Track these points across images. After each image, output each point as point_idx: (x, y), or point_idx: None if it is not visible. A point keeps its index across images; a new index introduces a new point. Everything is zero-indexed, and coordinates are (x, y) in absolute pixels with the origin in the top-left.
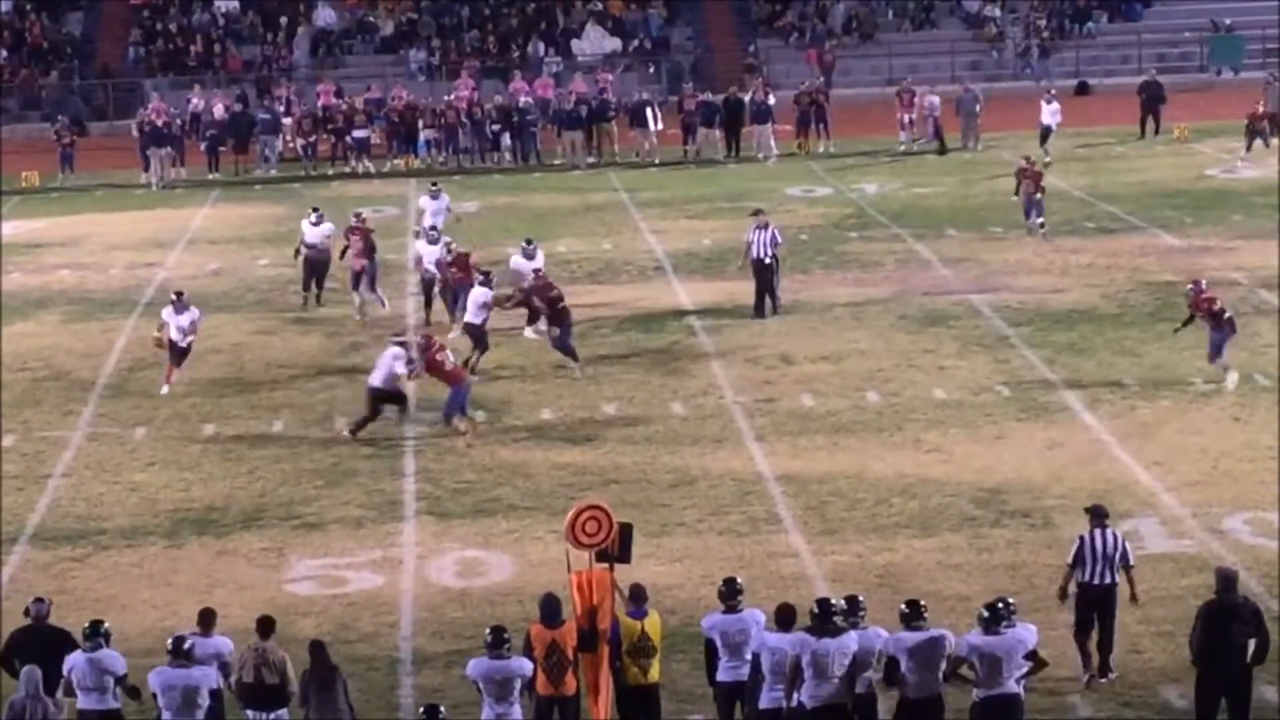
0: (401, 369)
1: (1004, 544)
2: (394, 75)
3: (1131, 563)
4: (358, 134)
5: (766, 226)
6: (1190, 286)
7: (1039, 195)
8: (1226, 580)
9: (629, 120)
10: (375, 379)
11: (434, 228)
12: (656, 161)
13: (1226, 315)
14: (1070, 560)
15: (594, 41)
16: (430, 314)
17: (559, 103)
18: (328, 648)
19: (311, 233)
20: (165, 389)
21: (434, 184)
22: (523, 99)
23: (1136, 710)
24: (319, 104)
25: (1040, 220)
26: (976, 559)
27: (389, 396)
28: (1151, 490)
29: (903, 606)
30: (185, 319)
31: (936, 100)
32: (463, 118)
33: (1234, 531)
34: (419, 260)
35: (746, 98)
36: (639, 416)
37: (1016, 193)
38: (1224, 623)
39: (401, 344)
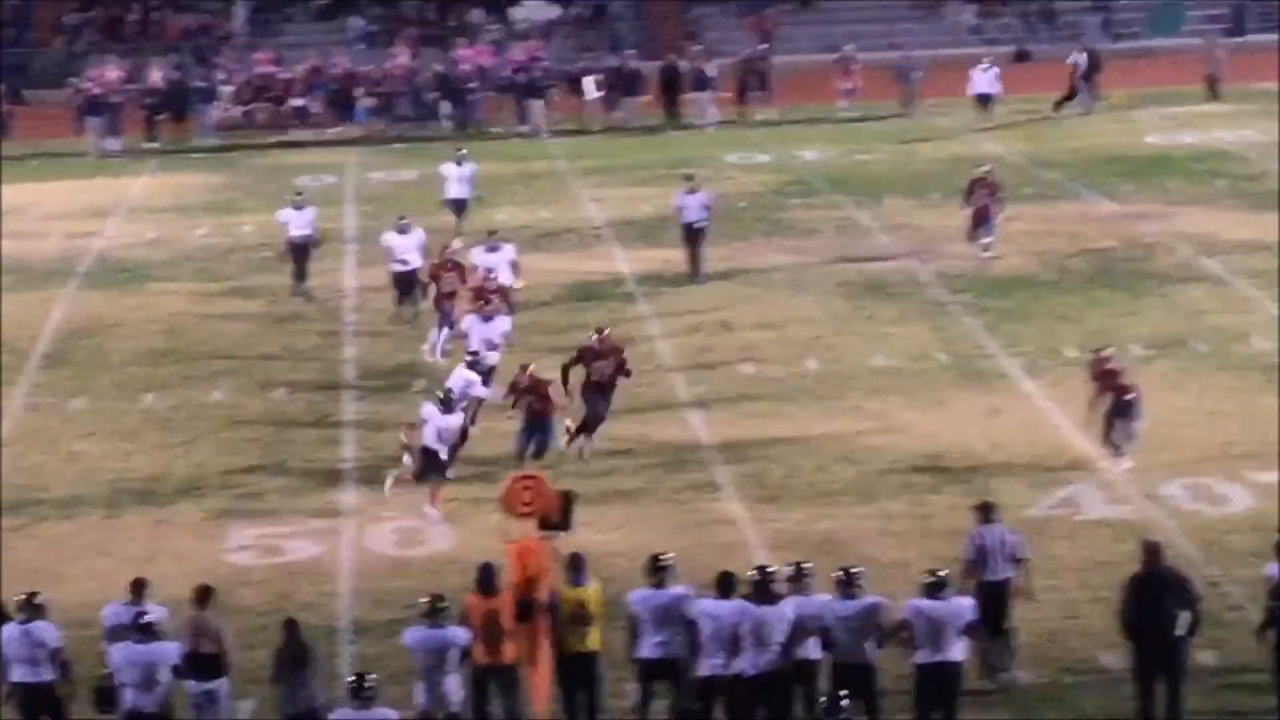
0: (482, 391)
1: (944, 510)
2: (333, 43)
3: (1020, 555)
4: (296, 102)
5: (694, 192)
6: (1090, 357)
7: (997, 211)
8: (1152, 551)
9: (568, 88)
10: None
11: (403, 219)
12: (595, 129)
13: (1130, 396)
14: (971, 558)
15: (533, 8)
16: (404, 310)
17: (505, 69)
18: (300, 626)
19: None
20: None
21: (460, 149)
22: (462, 66)
23: (1076, 675)
24: (257, 72)
25: (989, 240)
26: (916, 525)
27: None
28: (1090, 456)
29: (838, 573)
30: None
31: (1082, 58)
32: (401, 86)
33: (1172, 497)
34: (390, 252)
35: (684, 65)
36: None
37: (968, 201)
38: (1151, 594)
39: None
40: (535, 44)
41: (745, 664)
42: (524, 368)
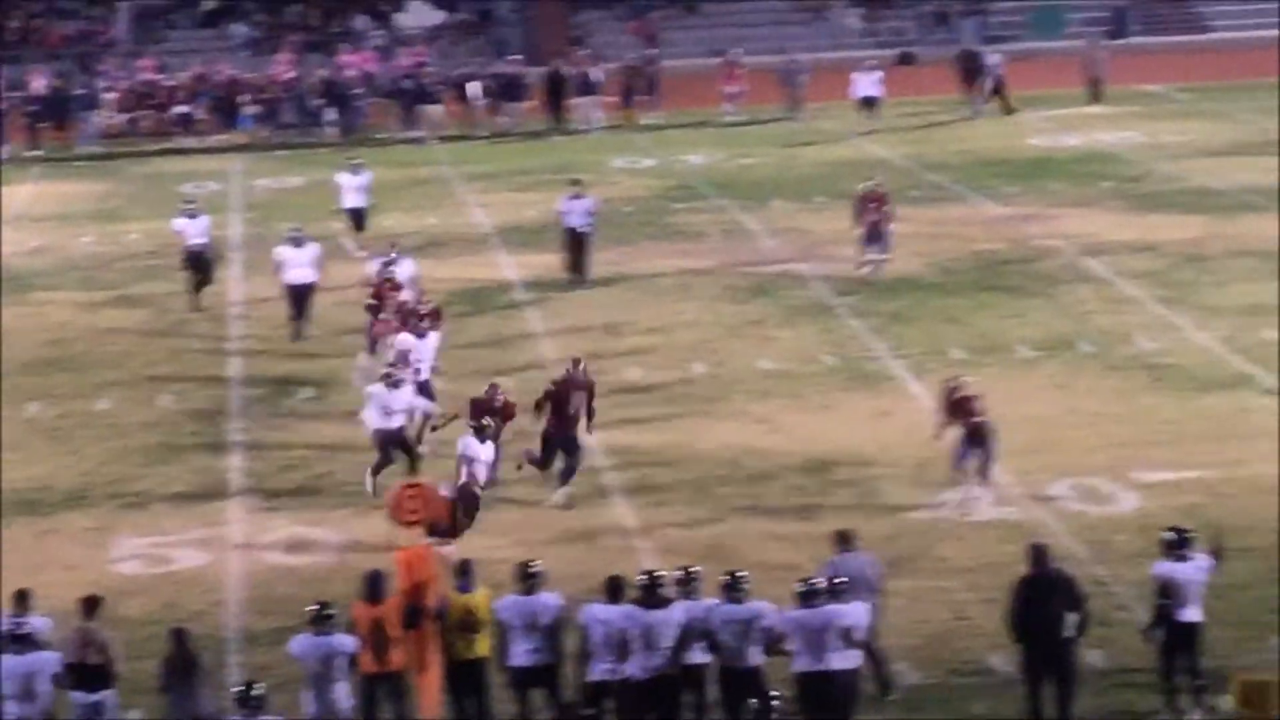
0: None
1: (832, 514)
2: (216, 50)
3: (878, 586)
4: (180, 109)
5: (579, 197)
6: (944, 385)
7: (888, 224)
8: (1038, 553)
9: (453, 93)
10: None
11: (296, 231)
12: (480, 134)
13: (981, 422)
14: (824, 579)
15: (418, 14)
16: (300, 325)
17: (390, 75)
18: (189, 635)
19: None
20: None
21: (355, 159)
22: (347, 73)
23: (963, 677)
24: (141, 79)
25: (883, 258)
26: (804, 529)
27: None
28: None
29: (724, 578)
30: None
31: (998, 59)
32: (285, 92)
33: (1059, 498)
34: (282, 266)
35: (569, 70)
36: (467, 391)
37: (857, 221)
38: (1038, 597)
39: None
40: (420, 50)
41: (634, 668)
42: (493, 387)
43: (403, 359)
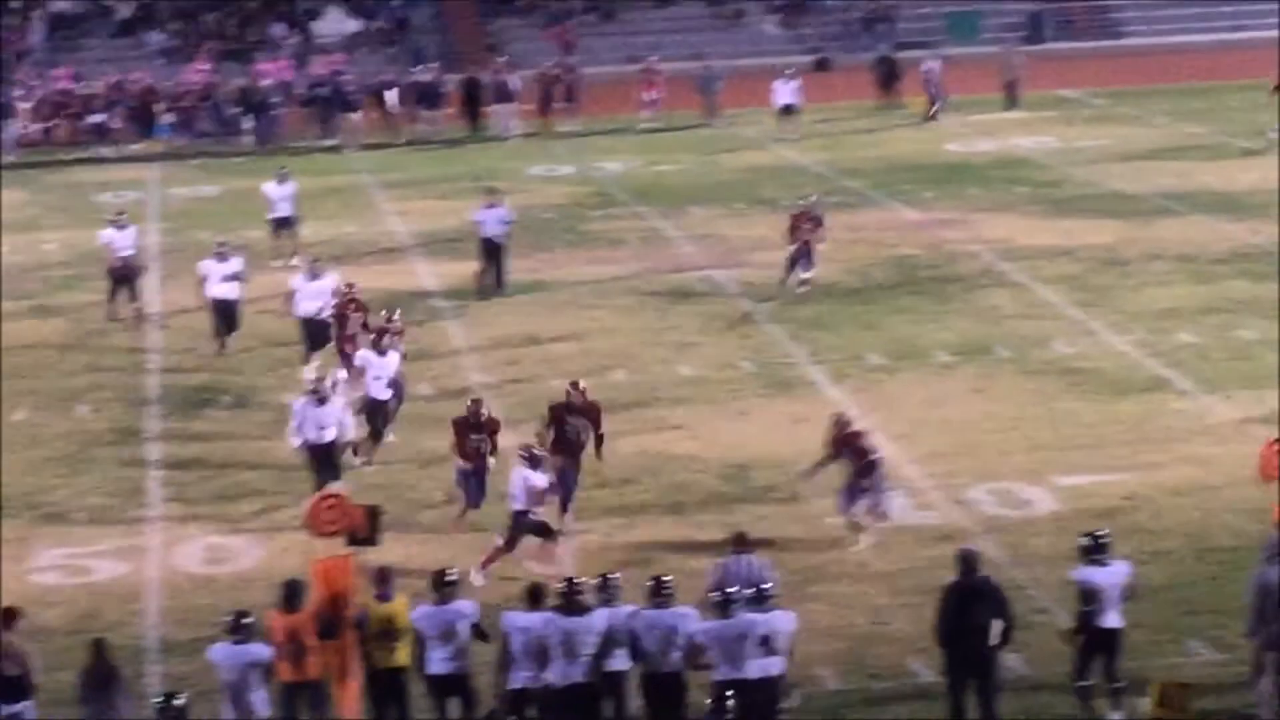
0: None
1: (751, 519)
2: (132, 58)
3: (767, 589)
4: (96, 118)
5: (494, 206)
6: (832, 420)
7: (819, 245)
8: (968, 560)
9: (370, 101)
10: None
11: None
12: (398, 142)
13: (873, 457)
14: (709, 588)
15: (335, 22)
16: (223, 339)
17: (307, 84)
18: (109, 646)
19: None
20: None
21: (282, 168)
22: (263, 81)
23: (884, 682)
24: (56, 88)
25: (806, 276)
26: (724, 535)
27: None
28: (896, 463)
29: (649, 583)
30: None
31: (937, 64)
32: (202, 101)
33: (977, 502)
34: (206, 279)
35: (486, 77)
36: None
37: (791, 238)
38: (966, 603)
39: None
40: (338, 57)
41: (554, 675)
42: (476, 402)
43: (360, 375)
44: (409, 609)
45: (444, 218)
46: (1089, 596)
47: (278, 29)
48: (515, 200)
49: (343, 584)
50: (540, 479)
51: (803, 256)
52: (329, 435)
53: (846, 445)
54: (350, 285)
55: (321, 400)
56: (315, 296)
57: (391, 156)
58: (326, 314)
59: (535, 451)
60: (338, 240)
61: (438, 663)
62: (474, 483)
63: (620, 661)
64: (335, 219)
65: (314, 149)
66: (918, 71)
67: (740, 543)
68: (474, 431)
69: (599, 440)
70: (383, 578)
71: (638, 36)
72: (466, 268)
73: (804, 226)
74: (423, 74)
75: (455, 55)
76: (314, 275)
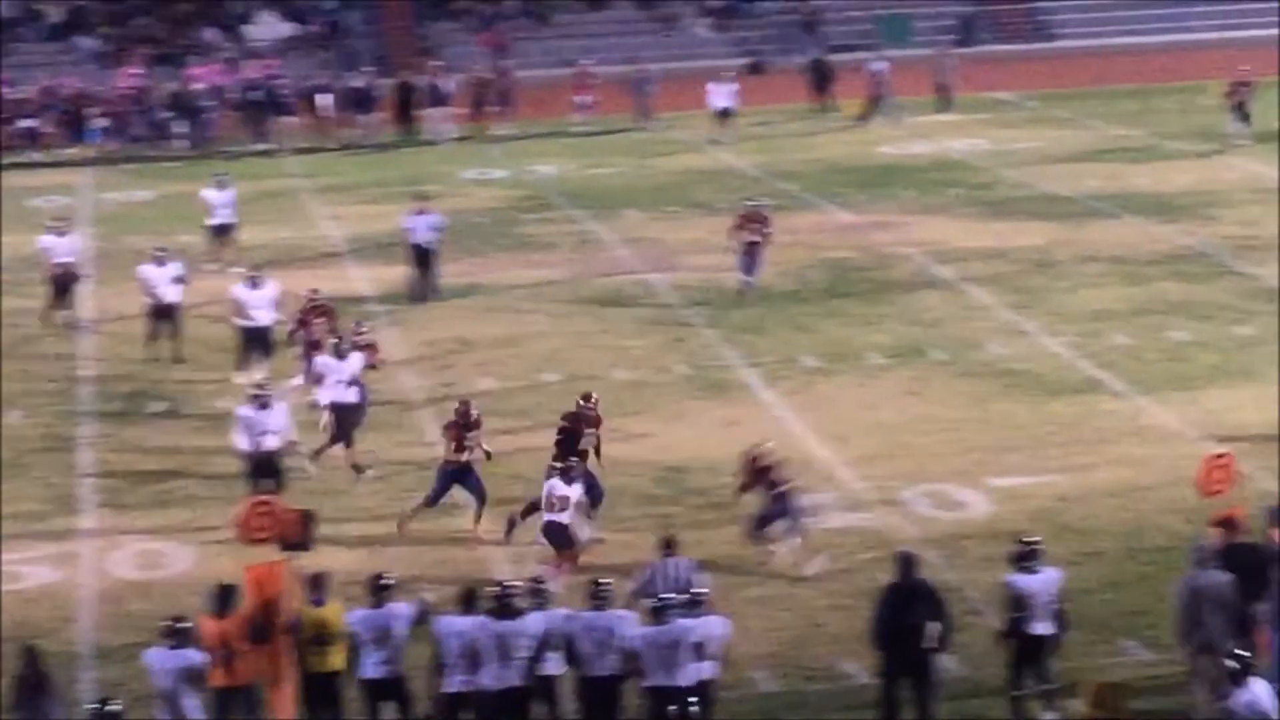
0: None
1: (685, 522)
2: (63, 63)
3: (695, 592)
4: (26, 123)
5: (425, 213)
6: (747, 452)
7: (766, 247)
8: (906, 562)
9: (304, 105)
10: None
11: (160, 250)
12: (331, 146)
13: (784, 490)
14: (634, 589)
15: (266, 26)
16: (159, 344)
17: (240, 87)
18: (41, 653)
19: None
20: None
21: (221, 173)
22: (196, 85)
23: (818, 683)
24: None
25: (749, 280)
26: (657, 536)
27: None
28: (830, 465)
29: (589, 586)
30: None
31: (884, 66)
32: (133, 105)
33: (911, 504)
34: (145, 284)
35: (419, 81)
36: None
37: (734, 235)
38: (903, 605)
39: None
40: (271, 61)
41: (488, 679)
42: (464, 403)
43: (318, 381)
44: (343, 613)
45: (377, 222)
46: (1018, 603)
47: (210, 33)
48: (449, 204)
49: (275, 589)
50: (573, 490)
51: (748, 258)
52: (271, 442)
53: (759, 478)
54: (314, 291)
55: (264, 406)
56: (257, 305)
57: (325, 160)
58: (269, 322)
59: (572, 465)
60: (271, 245)
61: (373, 666)
62: (472, 482)
63: (554, 665)
64: (268, 223)
65: (247, 153)
66: (864, 73)
67: (668, 546)
68: (467, 431)
69: (598, 451)
70: (316, 582)
71: (571, 40)
72: (400, 272)
73: (750, 227)
74: (356, 78)
75: (388, 59)
76: (255, 284)
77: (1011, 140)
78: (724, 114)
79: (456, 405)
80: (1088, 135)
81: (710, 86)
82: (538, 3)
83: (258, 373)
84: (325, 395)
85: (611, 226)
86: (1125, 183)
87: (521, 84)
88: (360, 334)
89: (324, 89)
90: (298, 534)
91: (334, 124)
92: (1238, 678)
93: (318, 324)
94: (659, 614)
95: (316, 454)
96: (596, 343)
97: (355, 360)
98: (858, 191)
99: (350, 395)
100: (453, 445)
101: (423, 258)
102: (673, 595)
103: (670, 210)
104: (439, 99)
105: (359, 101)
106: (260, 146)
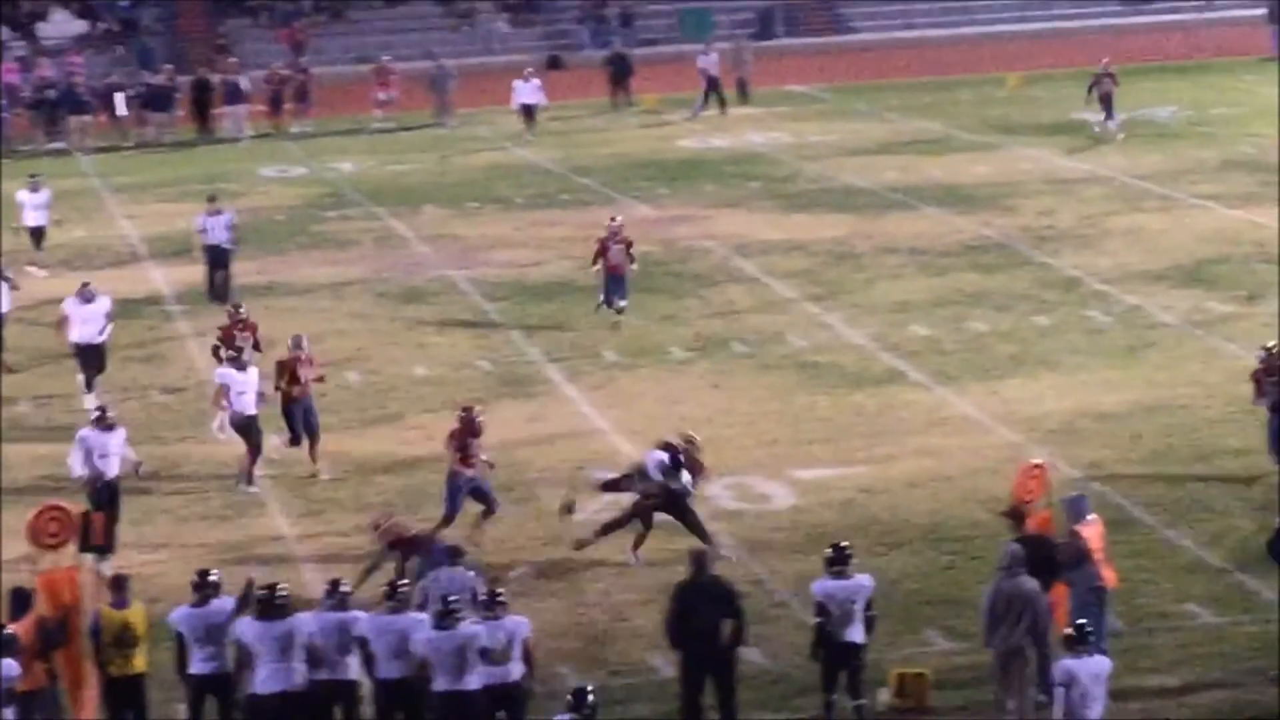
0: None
1: (489, 520)
2: None
3: (480, 597)
4: None
5: (220, 213)
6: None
7: (631, 266)
8: (698, 560)
9: (99, 104)
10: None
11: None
12: (128, 145)
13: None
14: (419, 600)
15: (60, 24)
16: None
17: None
18: None
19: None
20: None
21: (34, 175)
22: None
23: (624, 678)
24: None
25: (624, 304)
26: (463, 535)
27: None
28: (633, 460)
29: (383, 587)
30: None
31: (715, 58)
32: None
33: (715, 498)
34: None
35: (216, 79)
36: (118, 404)
37: (595, 263)
38: (697, 603)
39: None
40: (74, 59)
41: (278, 681)
42: (469, 409)
43: (223, 394)
44: (144, 616)
45: (175, 221)
46: (825, 609)
47: (3, 32)
48: (248, 202)
49: (70, 596)
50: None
51: (614, 280)
52: (113, 466)
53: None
54: (237, 307)
55: (108, 428)
56: (89, 320)
57: (121, 159)
58: (102, 338)
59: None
60: (69, 245)
61: (199, 663)
62: (484, 489)
63: (350, 668)
64: (65, 223)
65: (41, 152)
66: (697, 66)
67: (453, 554)
68: (472, 437)
69: None
70: (118, 584)
71: (368, 36)
72: (199, 270)
73: (614, 248)
74: (152, 76)
75: (185, 56)
76: (87, 298)
77: (810, 133)
78: (528, 111)
79: (459, 413)
80: (884, 128)
81: (515, 84)
82: None
83: (100, 393)
84: (75, 335)
85: (411, 223)
86: (922, 175)
87: (319, 80)
88: (299, 350)
89: (120, 88)
90: (99, 536)
91: (130, 122)
92: (1075, 646)
93: (241, 336)
94: (444, 618)
95: (248, 479)
96: (397, 340)
97: (254, 374)
98: (658, 186)
99: (254, 408)
100: (458, 456)
101: (219, 258)
102: (457, 599)
103: (470, 206)
104: (236, 96)
105: (155, 99)
106: (55, 145)
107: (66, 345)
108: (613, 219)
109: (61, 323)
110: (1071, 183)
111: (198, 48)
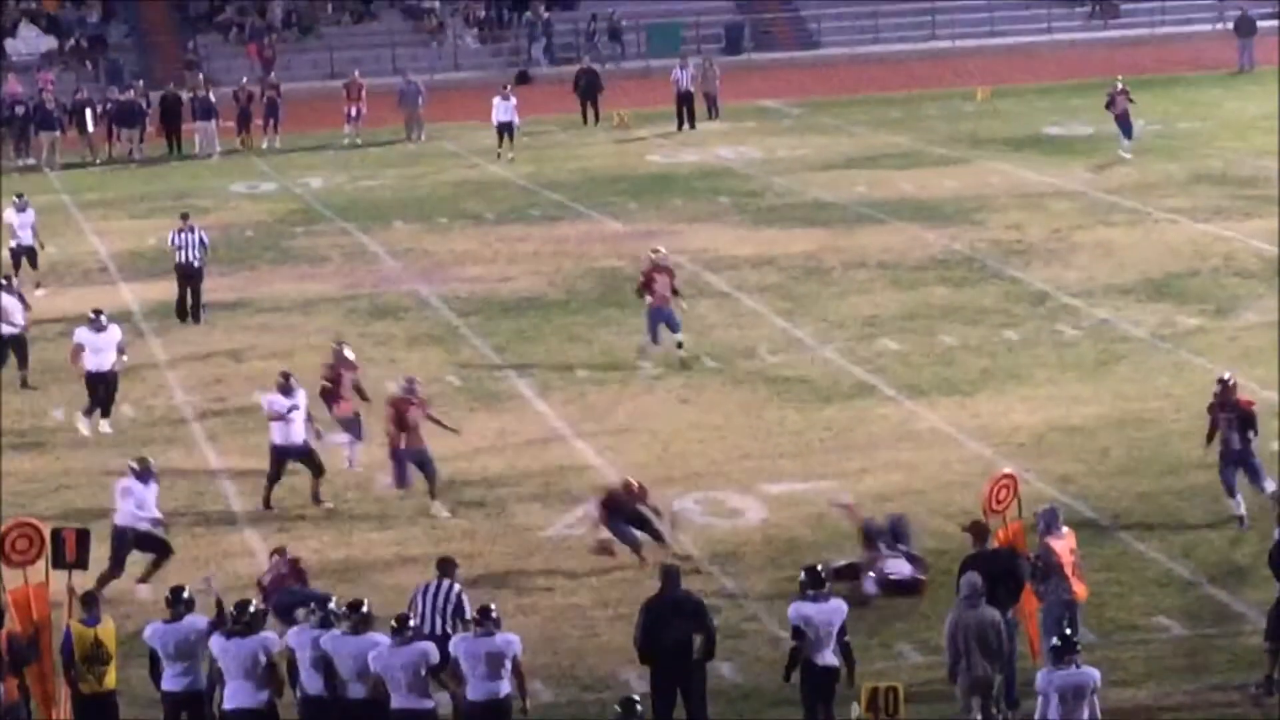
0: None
1: (460, 534)
2: None
3: (468, 616)
4: None
5: (193, 230)
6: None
7: (680, 300)
8: (669, 576)
9: (70, 120)
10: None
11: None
12: (97, 161)
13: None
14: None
15: (29, 40)
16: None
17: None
18: None
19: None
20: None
21: (19, 193)
22: None
23: (596, 693)
24: None
25: (679, 337)
26: (434, 550)
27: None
28: (604, 474)
29: (340, 609)
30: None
31: (690, 72)
32: None
33: (685, 512)
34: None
35: (186, 95)
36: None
37: (641, 294)
38: (666, 619)
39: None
40: (38, 76)
41: (248, 699)
42: (408, 379)
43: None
44: (114, 633)
45: (145, 237)
46: (800, 632)
47: None
48: (218, 218)
49: (39, 613)
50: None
51: (660, 314)
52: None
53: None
54: (340, 343)
55: (147, 479)
56: (103, 349)
57: (91, 176)
58: (114, 367)
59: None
60: (40, 261)
61: (171, 679)
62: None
63: (314, 686)
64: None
65: (11, 169)
66: (672, 80)
67: (444, 566)
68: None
69: None
70: (89, 601)
71: (337, 52)
72: (169, 287)
73: (661, 279)
74: (123, 93)
75: (153, 73)
76: (99, 327)
77: (779, 148)
78: (505, 128)
79: (402, 383)
80: (853, 142)
81: (495, 101)
82: (302, 15)
83: (96, 422)
84: (88, 363)
85: (381, 239)
86: (891, 189)
87: (289, 97)
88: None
89: (89, 103)
90: (73, 553)
91: (100, 139)
92: (1060, 656)
93: (348, 376)
94: (402, 632)
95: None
96: (369, 355)
97: (115, 331)
98: (627, 200)
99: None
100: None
101: (190, 275)
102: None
103: (439, 222)
104: (205, 113)
105: (125, 116)
106: (24, 162)
107: (80, 374)
108: (655, 250)
109: (75, 352)
110: (1040, 196)
111: (167, 64)
